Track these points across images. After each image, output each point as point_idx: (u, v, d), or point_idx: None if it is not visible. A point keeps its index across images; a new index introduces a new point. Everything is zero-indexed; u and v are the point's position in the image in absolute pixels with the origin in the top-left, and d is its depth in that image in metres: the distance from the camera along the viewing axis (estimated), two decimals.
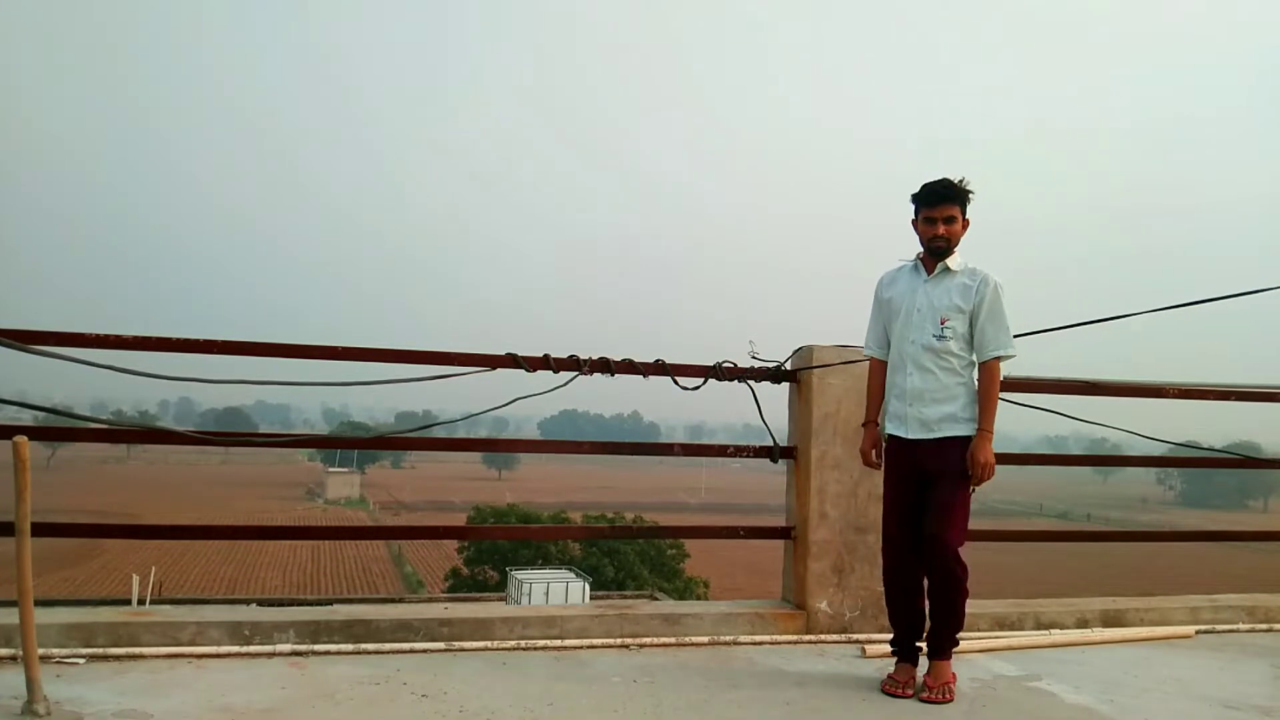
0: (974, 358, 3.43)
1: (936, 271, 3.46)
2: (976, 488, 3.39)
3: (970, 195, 3.42)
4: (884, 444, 3.60)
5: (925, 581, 3.45)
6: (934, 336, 3.40)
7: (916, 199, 3.44)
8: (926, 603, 3.46)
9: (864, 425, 3.73)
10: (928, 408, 3.39)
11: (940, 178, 3.42)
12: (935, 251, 3.44)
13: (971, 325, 3.40)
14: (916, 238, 3.50)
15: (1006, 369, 3.58)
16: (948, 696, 3.26)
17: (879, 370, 3.67)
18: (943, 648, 3.39)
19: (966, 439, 3.37)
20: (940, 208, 3.38)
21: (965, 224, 3.44)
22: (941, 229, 3.38)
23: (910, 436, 3.44)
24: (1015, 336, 3.47)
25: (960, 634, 3.46)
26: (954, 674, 3.37)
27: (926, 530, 3.38)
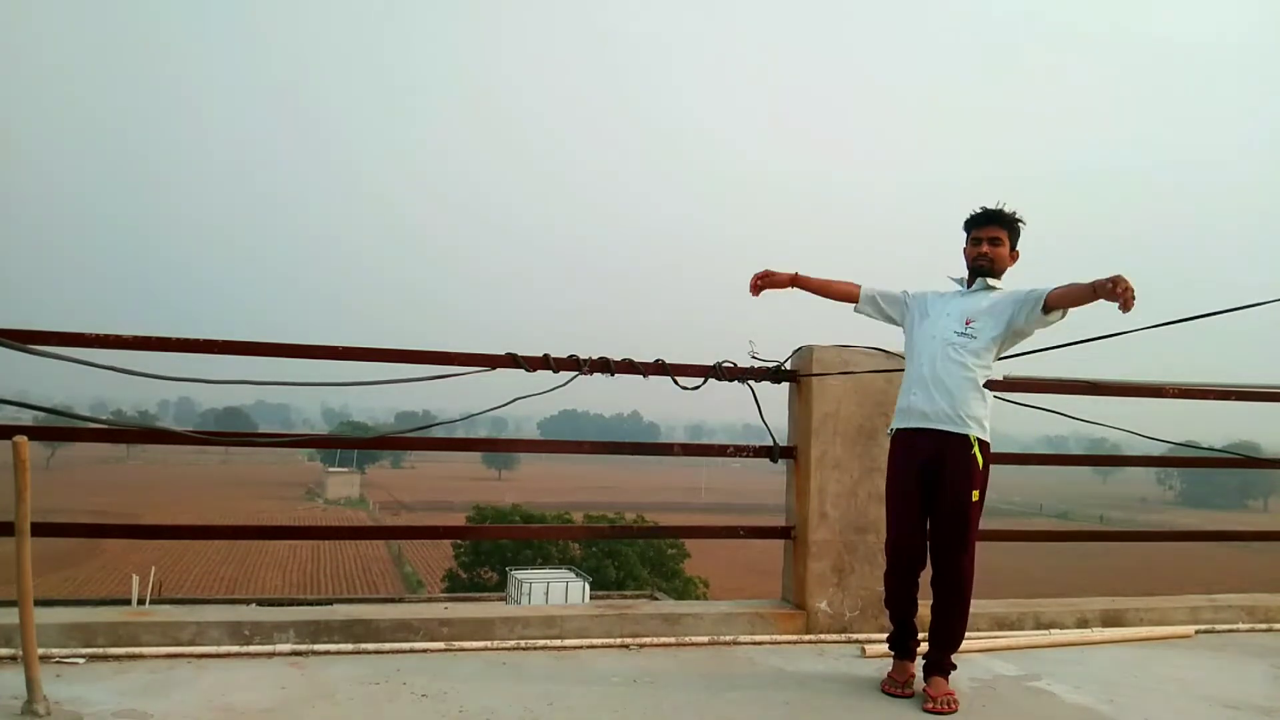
0: (992, 364, 3.43)
1: (975, 286, 3.52)
2: (1123, 306, 2.93)
3: (1020, 225, 3.48)
4: (891, 437, 3.58)
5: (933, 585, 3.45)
6: (955, 333, 3.42)
7: (966, 224, 3.53)
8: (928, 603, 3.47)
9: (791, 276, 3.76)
10: (933, 399, 3.39)
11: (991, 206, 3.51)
12: (978, 271, 3.50)
13: (1008, 325, 3.38)
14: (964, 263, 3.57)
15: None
16: (952, 707, 3.23)
17: (849, 284, 3.75)
18: (942, 664, 3.39)
19: (965, 438, 3.35)
20: (985, 229, 3.47)
21: (1014, 256, 3.51)
22: (985, 248, 3.46)
23: (911, 426, 3.45)
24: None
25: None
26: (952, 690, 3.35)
27: (942, 550, 3.39)
